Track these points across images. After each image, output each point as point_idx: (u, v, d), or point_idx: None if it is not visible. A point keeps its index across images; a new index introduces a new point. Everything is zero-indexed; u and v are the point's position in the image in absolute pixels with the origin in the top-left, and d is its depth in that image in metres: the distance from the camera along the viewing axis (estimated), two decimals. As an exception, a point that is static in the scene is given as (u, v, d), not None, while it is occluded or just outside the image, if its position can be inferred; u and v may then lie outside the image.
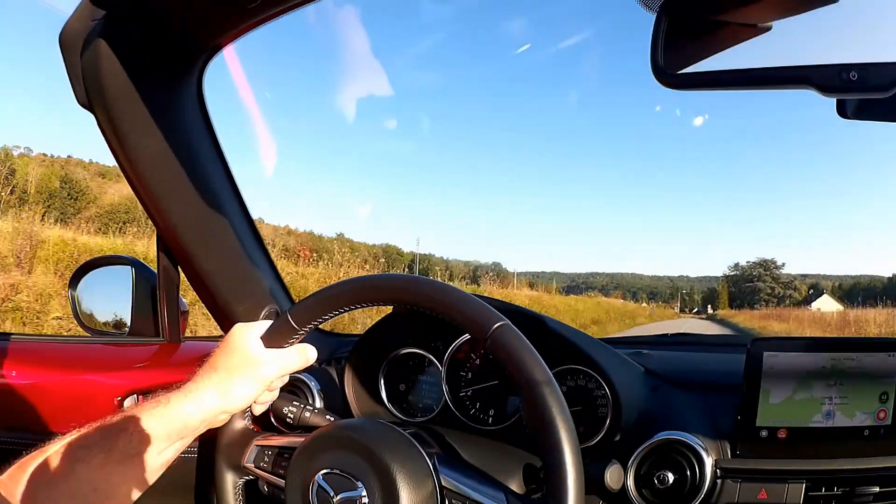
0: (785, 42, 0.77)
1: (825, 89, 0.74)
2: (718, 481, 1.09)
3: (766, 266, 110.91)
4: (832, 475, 1.07)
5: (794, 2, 0.75)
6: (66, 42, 1.05)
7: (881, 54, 0.72)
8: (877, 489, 1.04)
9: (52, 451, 0.91)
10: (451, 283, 0.99)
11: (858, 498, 1.05)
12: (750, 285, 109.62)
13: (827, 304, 62.03)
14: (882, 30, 0.72)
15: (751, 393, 1.11)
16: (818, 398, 1.10)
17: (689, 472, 1.08)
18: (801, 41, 0.76)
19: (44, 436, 0.96)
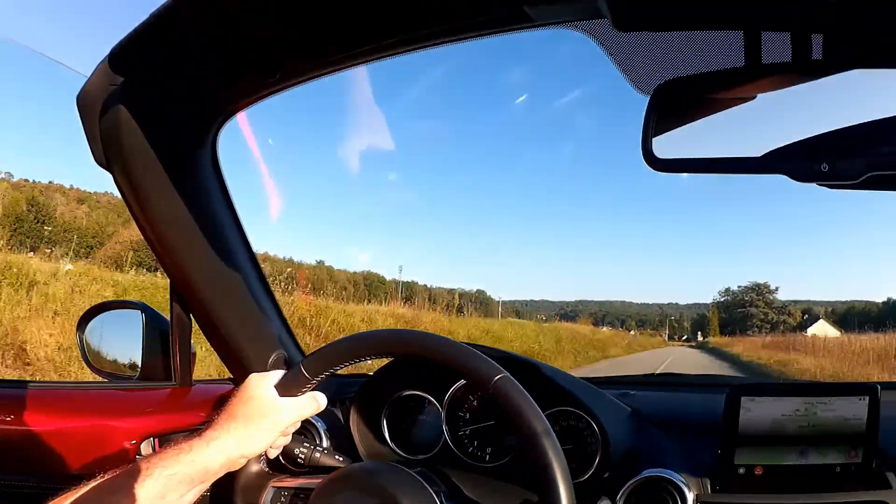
0: (764, 132, 0.85)
1: (799, 178, 0.82)
2: None
3: (759, 290, 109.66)
4: None
5: (775, 81, 0.84)
6: (84, 104, 1.08)
7: (851, 145, 0.80)
8: None
9: (80, 496, 0.95)
10: (452, 339, 1.06)
11: None
12: (742, 311, 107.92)
13: (823, 330, 60.07)
14: (852, 120, 0.80)
15: (729, 434, 1.19)
16: (792, 438, 1.18)
17: None
18: (778, 132, 0.84)
19: (64, 479, 1.00)
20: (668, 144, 0.87)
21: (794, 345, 33.15)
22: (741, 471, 1.19)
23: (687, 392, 1.70)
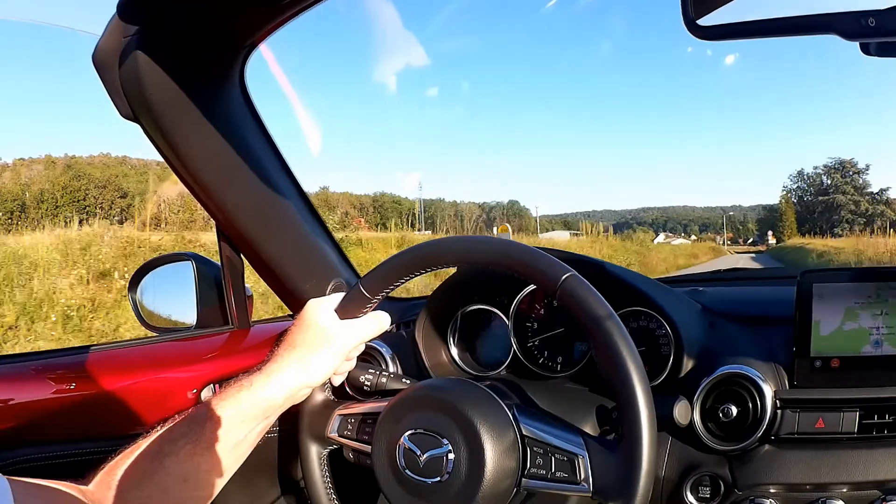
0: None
1: (846, 35, 0.78)
2: (778, 412, 1.14)
3: (845, 170, 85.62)
4: (884, 403, 1.11)
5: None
6: (101, 61, 1.08)
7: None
8: None
9: (140, 451, 0.95)
10: (516, 241, 1.03)
11: None
12: (824, 200, 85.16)
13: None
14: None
15: (803, 324, 1.15)
16: (866, 328, 1.14)
17: (750, 405, 1.13)
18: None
19: (129, 438, 0.99)
20: (710, 11, 0.83)
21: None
22: (818, 363, 1.15)
23: (756, 286, 1.67)
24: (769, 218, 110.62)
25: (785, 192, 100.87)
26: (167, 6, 1.01)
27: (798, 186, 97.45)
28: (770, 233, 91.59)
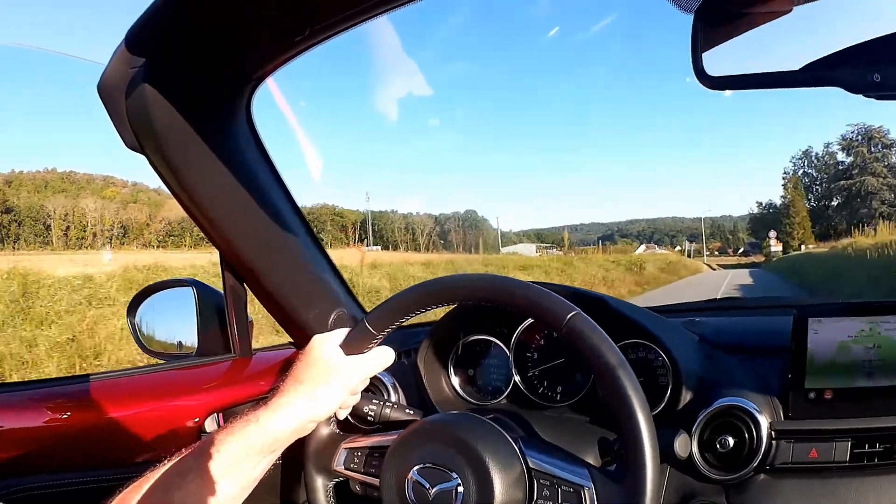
0: (815, 45, 0.84)
1: (852, 90, 0.81)
2: (773, 442, 1.16)
3: (872, 141, 59.51)
4: (874, 432, 1.13)
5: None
6: (106, 91, 1.07)
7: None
8: None
9: (150, 484, 0.95)
10: (520, 279, 1.06)
11: None
12: (846, 185, 61.61)
13: None
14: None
15: (798, 357, 1.18)
16: (859, 361, 1.16)
17: (746, 436, 1.15)
18: (829, 43, 0.83)
19: (133, 468, 1.00)
20: (718, 60, 0.86)
21: None
22: (812, 395, 1.18)
23: (751, 316, 1.70)
24: (766, 217, 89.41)
25: (792, 178, 76.75)
26: (175, 39, 1.02)
27: (804, 172, 75.59)
28: (772, 236, 67.85)
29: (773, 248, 65.22)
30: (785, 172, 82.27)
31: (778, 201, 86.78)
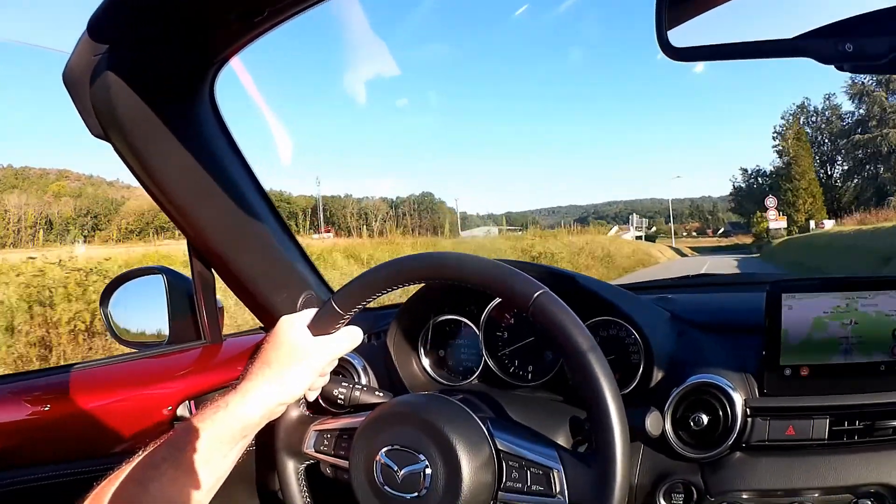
0: (784, 14, 0.82)
1: (823, 60, 0.79)
2: (749, 420, 1.16)
3: (892, 79, 40.14)
4: (853, 410, 1.13)
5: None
6: (71, 79, 1.07)
7: (875, 25, 0.77)
8: (895, 423, 1.11)
9: (124, 476, 0.94)
10: (487, 258, 1.05)
11: (879, 431, 1.11)
12: (862, 140, 48.05)
13: None
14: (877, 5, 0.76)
15: (773, 334, 1.17)
16: (835, 338, 1.15)
17: (721, 413, 1.15)
18: (798, 12, 0.81)
19: (107, 459, 1.02)
20: (685, 32, 0.84)
21: None
22: (787, 372, 1.17)
23: (725, 292, 1.69)
24: (753, 190, 67.03)
25: (790, 124, 56.97)
26: (137, 24, 1.01)
27: (809, 131, 56.65)
28: (771, 205, 48.45)
29: (772, 225, 46.74)
30: (776, 132, 60.00)
31: (769, 167, 67.40)
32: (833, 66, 0.82)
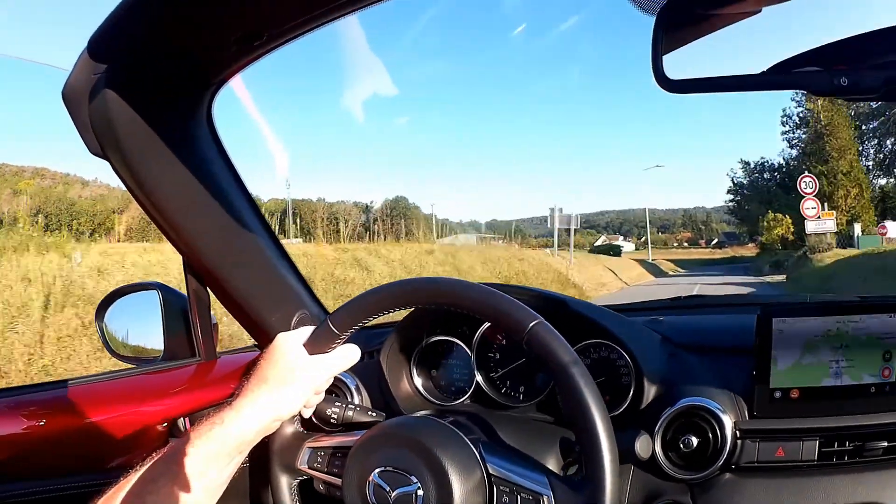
0: (779, 46, 0.83)
1: (818, 93, 0.81)
2: (738, 441, 1.16)
3: None
4: (843, 431, 1.14)
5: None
6: (70, 97, 1.08)
7: (869, 57, 0.78)
8: (885, 444, 1.12)
9: (123, 493, 0.96)
10: (482, 285, 1.07)
11: (868, 452, 1.12)
12: None
13: None
14: (864, 28, 0.77)
15: (763, 357, 1.18)
16: (825, 362, 1.16)
17: (710, 435, 1.16)
18: (793, 44, 0.82)
19: (102, 474, 1.04)
20: (680, 65, 0.85)
21: None
22: (777, 395, 1.18)
23: (716, 314, 1.71)
24: (760, 187, 52.69)
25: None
26: (135, 45, 1.02)
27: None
28: (810, 189, 26.62)
29: (812, 227, 26.30)
30: (788, 112, 46.33)
31: (777, 160, 52.12)
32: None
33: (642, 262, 45.03)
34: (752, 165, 53.83)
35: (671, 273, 41.10)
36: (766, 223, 44.23)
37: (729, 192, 55.23)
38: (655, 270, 41.02)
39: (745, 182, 54.63)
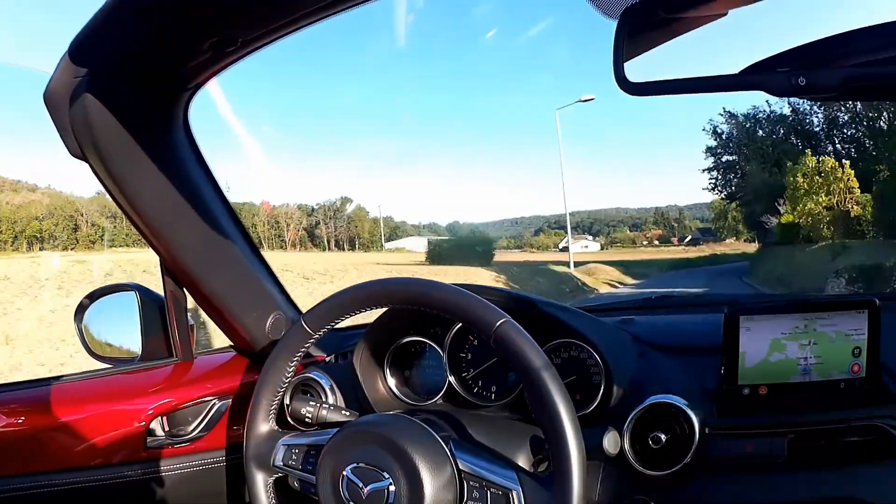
0: (737, 49, 0.84)
1: (776, 93, 0.82)
2: (707, 439, 1.17)
3: None
4: (813, 427, 1.16)
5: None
6: (51, 100, 1.11)
7: (825, 57, 0.79)
8: (855, 439, 1.13)
9: None
10: (452, 285, 1.08)
11: (838, 448, 1.14)
12: None
13: None
14: (826, 32, 0.79)
15: (730, 355, 1.19)
16: (794, 359, 1.18)
17: (679, 432, 1.17)
18: (752, 48, 0.83)
19: (80, 472, 1.07)
20: (642, 68, 0.86)
21: None
22: (745, 391, 1.19)
23: (686, 314, 1.73)
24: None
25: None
26: (114, 50, 1.05)
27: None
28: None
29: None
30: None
31: (786, 108, 31.89)
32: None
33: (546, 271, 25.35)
34: (740, 117, 33.34)
35: (592, 290, 21.19)
36: (792, 186, 23.21)
37: (708, 150, 34.36)
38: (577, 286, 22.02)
39: (733, 134, 34.04)
